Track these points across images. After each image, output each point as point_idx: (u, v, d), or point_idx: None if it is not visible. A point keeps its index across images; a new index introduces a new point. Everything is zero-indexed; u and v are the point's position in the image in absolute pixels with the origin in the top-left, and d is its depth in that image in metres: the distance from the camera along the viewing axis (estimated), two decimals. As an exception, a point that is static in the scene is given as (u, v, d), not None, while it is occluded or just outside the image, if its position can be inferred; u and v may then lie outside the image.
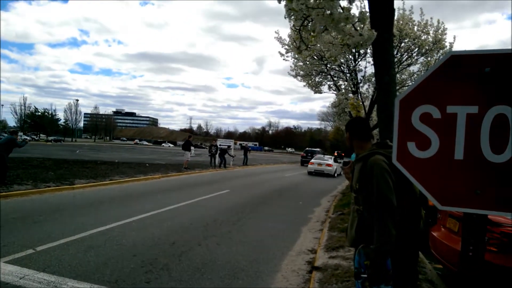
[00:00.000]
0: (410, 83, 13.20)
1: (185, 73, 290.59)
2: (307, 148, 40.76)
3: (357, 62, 12.10)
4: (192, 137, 21.78)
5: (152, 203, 8.70)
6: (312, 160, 24.66)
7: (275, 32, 11.28)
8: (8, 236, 5.36)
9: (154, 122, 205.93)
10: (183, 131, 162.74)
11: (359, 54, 11.94)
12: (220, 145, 24.73)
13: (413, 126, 1.53)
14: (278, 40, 11.40)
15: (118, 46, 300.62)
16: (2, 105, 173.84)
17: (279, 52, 11.15)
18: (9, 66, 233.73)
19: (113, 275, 4.15)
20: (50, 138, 64.06)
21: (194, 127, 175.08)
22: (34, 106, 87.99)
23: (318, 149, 40.25)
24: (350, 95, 11.46)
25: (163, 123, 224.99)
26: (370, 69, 12.29)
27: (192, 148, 21.33)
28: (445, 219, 4.62)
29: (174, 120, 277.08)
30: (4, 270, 4.03)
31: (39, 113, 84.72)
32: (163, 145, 42.24)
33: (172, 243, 5.56)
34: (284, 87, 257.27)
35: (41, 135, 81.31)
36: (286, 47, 11.06)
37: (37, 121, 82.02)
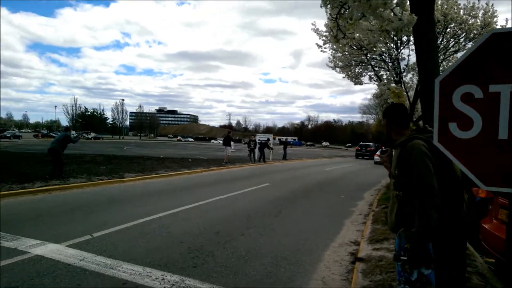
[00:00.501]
0: (458, 71, 12.54)
1: (223, 70, 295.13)
2: (361, 143, 44.20)
3: (399, 50, 11.67)
4: (232, 132, 22.12)
5: (196, 196, 9.04)
6: (377, 152, 25.24)
7: (312, 23, 11.10)
8: (68, 224, 5.86)
9: (194, 119, 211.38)
10: (223, 127, 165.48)
11: (401, 42, 11.50)
12: (259, 139, 24.92)
13: (454, 106, 1.53)
14: (315, 32, 11.25)
15: (159, 47, 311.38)
16: (55, 106, 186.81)
17: (317, 44, 11.03)
18: (60, 70, 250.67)
19: (163, 259, 4.42)
20: (90, 135, 68.10)
21: (233, 123, 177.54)
22: (84, 107, 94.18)
23: (370, 143, 43.49)
24: (393, 85, 11.10)
25: (203, 120, 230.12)
26: (414, 57, 11.78)
27: (232, 143, 21.65)
28: (496, 210, 4.42)
29: (213, 116, 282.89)
30: (66, 253, 4.44)
31: (89, 113, 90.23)
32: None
33: (216, 232, 5.78)
34: (322, 80, 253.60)
35: (91, 133, 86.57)
36: (324, 38, 10.91)
37: (88, 120, 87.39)
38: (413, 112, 11.56)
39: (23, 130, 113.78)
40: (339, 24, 3.41)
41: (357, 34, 3.31)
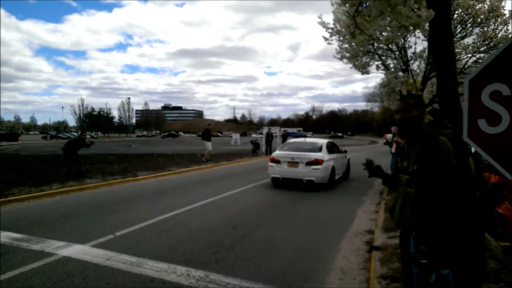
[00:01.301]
0: (465, 57, 12.41)
1: (225, 66, 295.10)
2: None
3: (406, 38, 11.60)
4: (211, 125, 19.59)
5: (209, 191, 9.18)
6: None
7: (318, 17, 11.08)
8: (90, 224, 6.01)
9: (199, 114, 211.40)
10: (228, 121, 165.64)
11: (413, 30, 11.42)
12: (270, 132, 24.87)
13: (483, 104, 1.60)
14: (321, 25, 11.22)
15: (160, 46, 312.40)
16: (62, 107, 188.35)
17: (323, 37, 11.01)
18: (66, 72, 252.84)
19: (186, 255, 4.55)
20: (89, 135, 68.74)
21: (238, 116, 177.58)
22: (91, 106, 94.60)
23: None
24: (400, 73, 11.06)
25: (208, 115, 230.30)
26: (420, 45, 11.74)
27: (238, 137, 21.56)
28: (511, 195, 4.48)
29: (217, 111, 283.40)
30: (92, 253, 4.58)
31: (96, 113, 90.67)
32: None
33: (234, 227, 5.90)
34: (322, 71, 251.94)
35: (99, 133, 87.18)
36: (330, 30, 10.88)
37: (95, 120, 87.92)
38: (421, 99, 11.51)
39: (31, 132, 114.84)
40: (357, 21, 3.45)
41: (373, 30, 3.34)
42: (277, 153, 10.75)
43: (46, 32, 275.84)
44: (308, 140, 12.78)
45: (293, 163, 9.97)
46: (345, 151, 12.63)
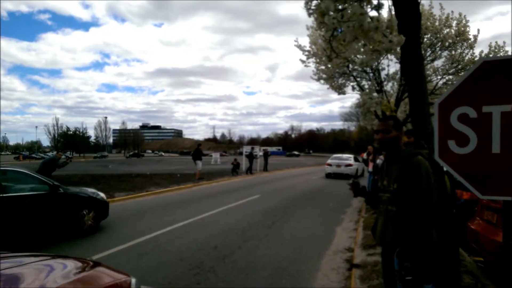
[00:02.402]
0: (435, 79, 13.03)
1: (204, 85, 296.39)
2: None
3: (379, 61, 12.13)
4: (201, 145, 20.26)
5: (189, 211, 9.05)
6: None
7: (295, 40, 11.49)
8: (65, 248, 5.79)
9: (178, 133, 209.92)
10: (207, 140, 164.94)
11: (386, 54, 11.98)
12: (246, 151, 25.20)
13: (452, 125, 1.72)
14: (298, 48, 11.60)
15: (137, 65, 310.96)
16: (36, 126, 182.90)
17: (300, 60, 11.38)
18: (41, 91, 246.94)
19: (166, 278, 4.45)
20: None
21: (218, 135, 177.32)
22: (66, 126, 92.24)
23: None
24: (375, 94, 11.47)
25: (187, 134, 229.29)
26: (393, 67, 12.28)
27: (218, 156, 21.61)
28: (482, 211, 4.66)
29: (197, 130, 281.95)
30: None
31: (71, 132, 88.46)
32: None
33: (214, 247, 5.83)
34: (300, 91, 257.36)
35: (74, 153, 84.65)
36: (306, 53, 11.26)
37: (70, 140, 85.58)
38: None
39: (3, 153, 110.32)
40: (333, 45, 3.63)
41: (351, 55, 3.50)
42: (329, 161, 21.54)
43: (19, 51, 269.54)
44: (344, 155, 23.43)
45: (338, 165, 20.74)
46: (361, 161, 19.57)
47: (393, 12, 3.67)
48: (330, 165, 20.99)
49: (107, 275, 2.23)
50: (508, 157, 1.65)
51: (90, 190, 7.49)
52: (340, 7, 3.06)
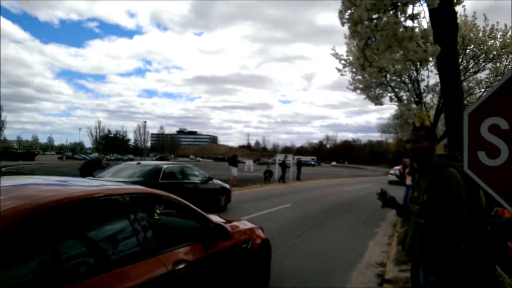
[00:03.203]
0: (478, 91, 12.42)
1: (241, 93, 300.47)
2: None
3: (419, 71, 11.75)
4: (238, 151, 21.34)
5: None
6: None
7: (331, 49, 11.40)
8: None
9: (214, 139, 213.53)
10: (242, 147, 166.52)
11: (420, 64, 11.61)
12: (279, 159, 25.30)
13: (482, 136, 1.66)
14: (334, 56, 11.51)
15: (177, 72, 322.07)
16: (80, 128, 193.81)
17: (336, 68, 11.27)
18: (86, 95, 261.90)
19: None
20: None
21: (252, 143, 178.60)
22: (108, 129, 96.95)
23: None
24: (413, 105, 11.11)
25: (222, 140, 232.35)
26: (433, 79, 11.84)
27: (251, 163, 21.85)
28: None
29: (232, 137, 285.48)
30: None
31: (112, 135, 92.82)
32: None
33: (242, 253, 5.88)
34: (337, 101, 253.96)
35: (115, 154, 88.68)
36: (343, 62, 11.15)
37: (111, 142, 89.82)
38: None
39: (48, 153, 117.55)
40: (366, 54, 3.61)
41: (384, 64, 3.47)
42: (391, 171, 26.76)
43: (68, 56, 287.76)
44: (396, 167, 26.82)
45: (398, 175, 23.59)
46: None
47: (428, 22, 3.60)
48: (392, 174, 26.59)
49: (249, 222, 4.30)
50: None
51: (220, 182, 11.16)
52: (374, 16, 3.06)
